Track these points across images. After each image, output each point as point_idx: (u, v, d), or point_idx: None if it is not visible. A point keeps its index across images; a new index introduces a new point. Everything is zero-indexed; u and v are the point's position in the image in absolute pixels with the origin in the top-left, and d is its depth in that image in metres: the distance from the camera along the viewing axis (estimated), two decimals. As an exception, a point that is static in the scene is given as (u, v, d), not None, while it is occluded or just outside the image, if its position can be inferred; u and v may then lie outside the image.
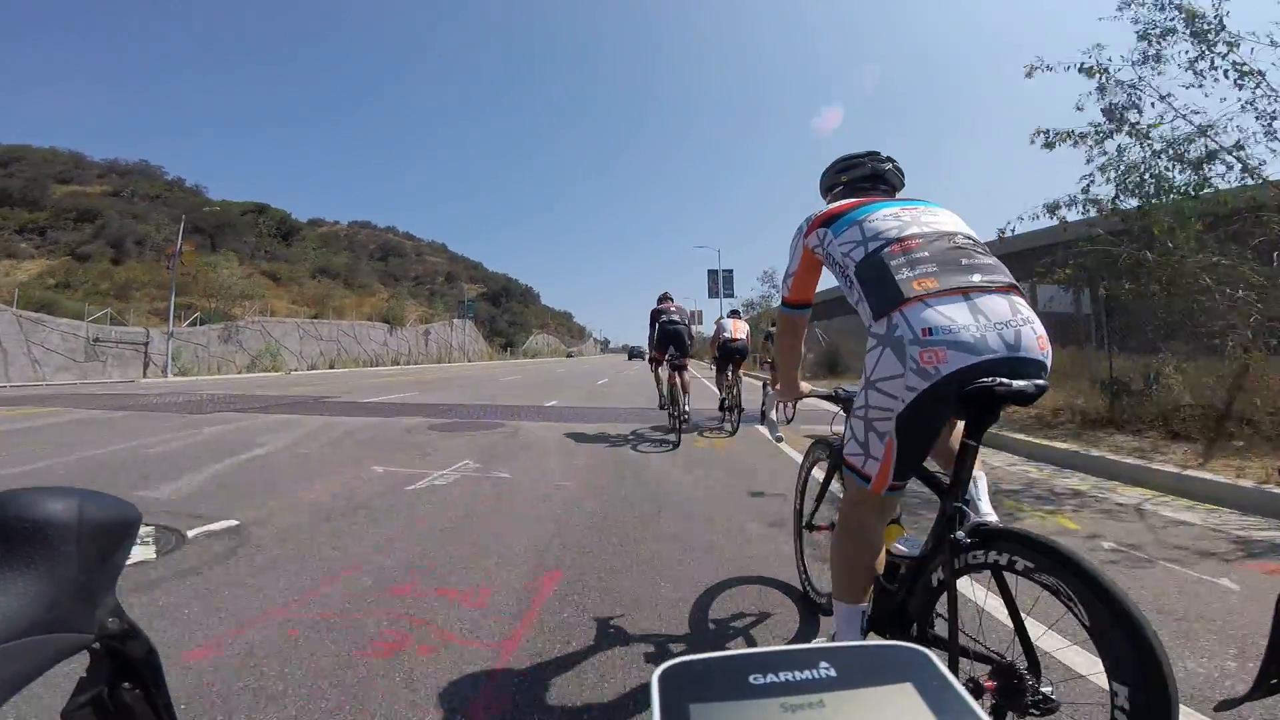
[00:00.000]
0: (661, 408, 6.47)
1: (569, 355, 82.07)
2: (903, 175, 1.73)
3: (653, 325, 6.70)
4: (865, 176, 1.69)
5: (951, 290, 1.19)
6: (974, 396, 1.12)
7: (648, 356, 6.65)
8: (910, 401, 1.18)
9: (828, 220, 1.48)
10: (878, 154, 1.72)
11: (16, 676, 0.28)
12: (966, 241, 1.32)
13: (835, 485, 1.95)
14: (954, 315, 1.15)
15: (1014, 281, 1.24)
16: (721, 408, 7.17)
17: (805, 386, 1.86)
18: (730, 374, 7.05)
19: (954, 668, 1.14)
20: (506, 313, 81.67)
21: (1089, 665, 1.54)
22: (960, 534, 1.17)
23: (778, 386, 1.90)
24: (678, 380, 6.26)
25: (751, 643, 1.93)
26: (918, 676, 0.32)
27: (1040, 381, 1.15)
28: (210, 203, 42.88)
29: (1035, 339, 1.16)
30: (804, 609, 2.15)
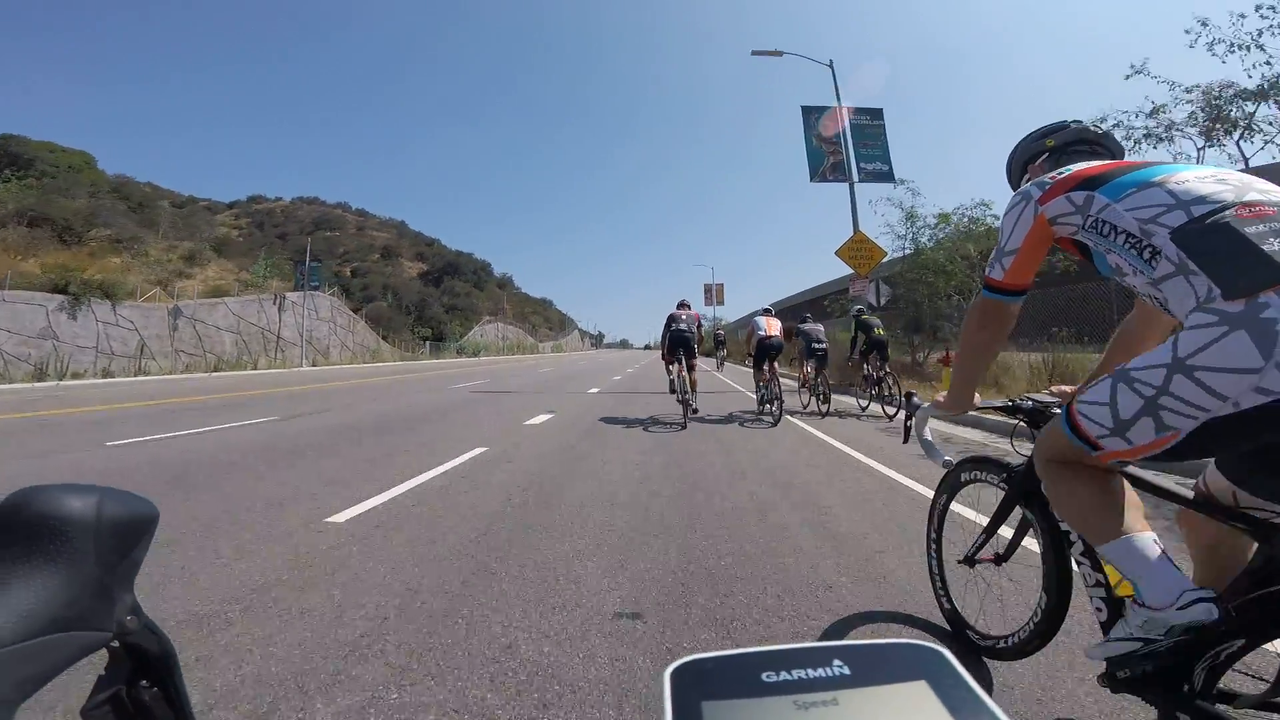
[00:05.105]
0: (671, 392, 7.60)
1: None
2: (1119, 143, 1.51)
3: (666, 330, 7.75)
4: (1076, 140, 1.47)
5: None
6: None
7: (661, 354, 7.90)
8: (1251, 406, 0.93)
9: (1086, 182, 1.21)
10: (1080, 121, 1.52)
11: (37, 675, 0.28)
12: None
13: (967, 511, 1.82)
14: None
15: None
16: (760, 402, 8.03)
17: (977, 398, 1.53)
18: (768, 369, 7.76)
19: None
20: (447, 294, 59.33)
21: None
22: None
23: (939, 397, 1.56)
24: (687, 375, 7.41)
25: None
26: (932, 674, 0.32)
27: None
28: None
29: None
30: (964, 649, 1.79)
